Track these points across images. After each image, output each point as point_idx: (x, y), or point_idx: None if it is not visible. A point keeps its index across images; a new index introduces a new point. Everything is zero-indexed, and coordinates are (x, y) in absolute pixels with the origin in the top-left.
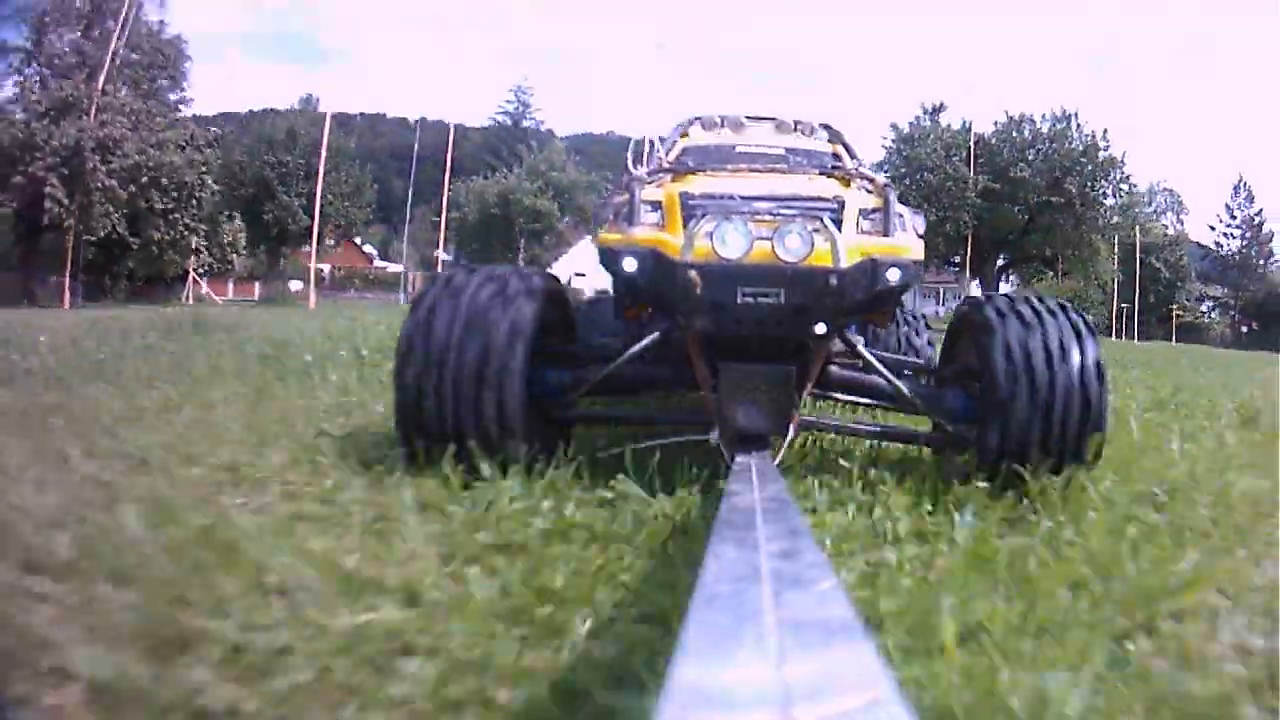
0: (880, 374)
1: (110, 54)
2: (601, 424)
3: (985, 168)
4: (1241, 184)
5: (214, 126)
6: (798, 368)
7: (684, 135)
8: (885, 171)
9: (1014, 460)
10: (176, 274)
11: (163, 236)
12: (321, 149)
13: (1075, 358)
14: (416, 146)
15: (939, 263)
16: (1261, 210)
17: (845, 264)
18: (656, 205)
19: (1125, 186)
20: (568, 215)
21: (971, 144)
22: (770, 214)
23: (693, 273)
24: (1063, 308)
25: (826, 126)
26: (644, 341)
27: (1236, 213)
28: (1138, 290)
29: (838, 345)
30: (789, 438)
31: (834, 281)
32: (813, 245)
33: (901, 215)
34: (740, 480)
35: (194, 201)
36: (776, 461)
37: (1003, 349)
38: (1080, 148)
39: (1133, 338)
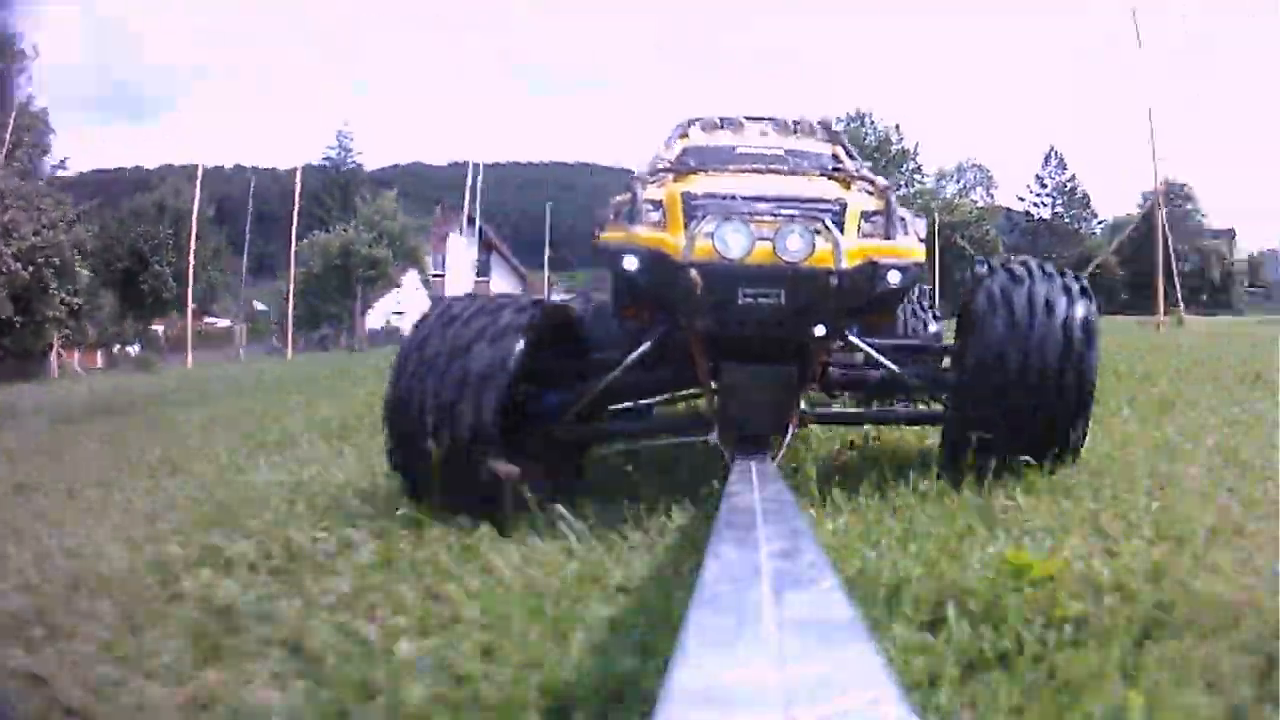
0: (879, 362)
1: (7, 134)
2: (604, 439)
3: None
4: (1053, 153)
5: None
6: (798, 368)
7: (684, 136)
8: None
9: (991, 396)
10: (42, 348)
11: (54, 314)
12: (193, 219)
13: (1062, 308)
14: (251, 200)
15: None
16: (1074, 176)
17: (846, 265)
18: (658, 205)
19: (918, 176)
20: (399, 260)
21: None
22: (771, 215)
23: (694, 272)
24: (1061, 272)
25: (825, 126)
26: (640, 349)
27: (1048, 181)
28: (938, 269)
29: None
30: (788, 437)
31: (835, 283)
32: (814, 246)
33: (903, 218)
34: (740, 480)
35: (71, 276)
36: (776, 461)
37: (985, 293)
38: (874, 144)
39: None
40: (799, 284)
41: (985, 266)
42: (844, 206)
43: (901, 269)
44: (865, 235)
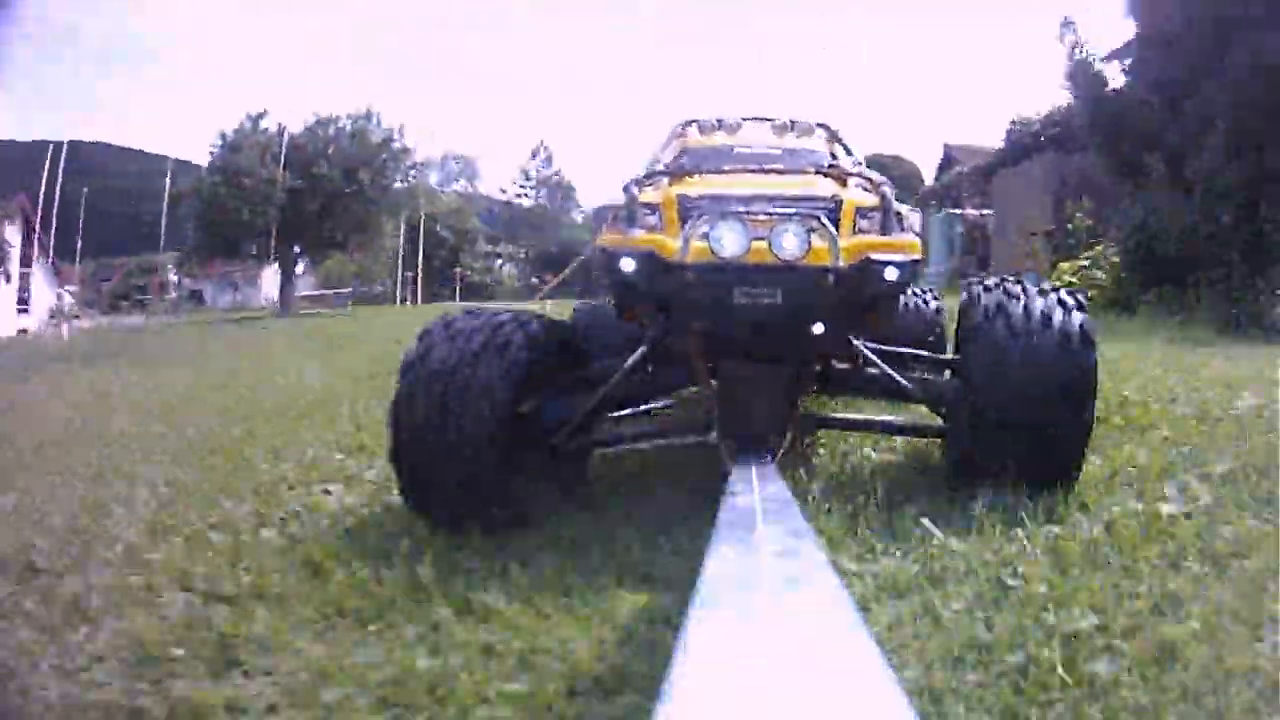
0: (878, 367)
1: None
2: (605, 445)
3: (294, 167)
4: (541, 147)
5: None
6: (797, 367)
7: (680, 138)
8: (212, 179)
9: (995, 394)
10: None
11: None
12: None
13: (1058, 318)
14: None
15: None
16: (560, 170)
17: (842, 263)
18: (654, 208)
19: (414, 171)
20: None
21: (283, 147)
22: (767, 214)
23: (690, 273)
24: (1055, 289)
25: (823, 125)
26: (637, 353)
27: (533, 174)
28: (421, 256)
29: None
30: (788, 437)
31: (831, 280)
32: (809, 244)
33: (900, 214)
34: (740, 480)
35: None
36: (775, 461)
37: (982, 309)
38: (378, 141)
39: (417, 302)
40: (795, 282)
41: (982, 287)
42: (839, 204)
43: (898, 265)
44: (861, 232)
